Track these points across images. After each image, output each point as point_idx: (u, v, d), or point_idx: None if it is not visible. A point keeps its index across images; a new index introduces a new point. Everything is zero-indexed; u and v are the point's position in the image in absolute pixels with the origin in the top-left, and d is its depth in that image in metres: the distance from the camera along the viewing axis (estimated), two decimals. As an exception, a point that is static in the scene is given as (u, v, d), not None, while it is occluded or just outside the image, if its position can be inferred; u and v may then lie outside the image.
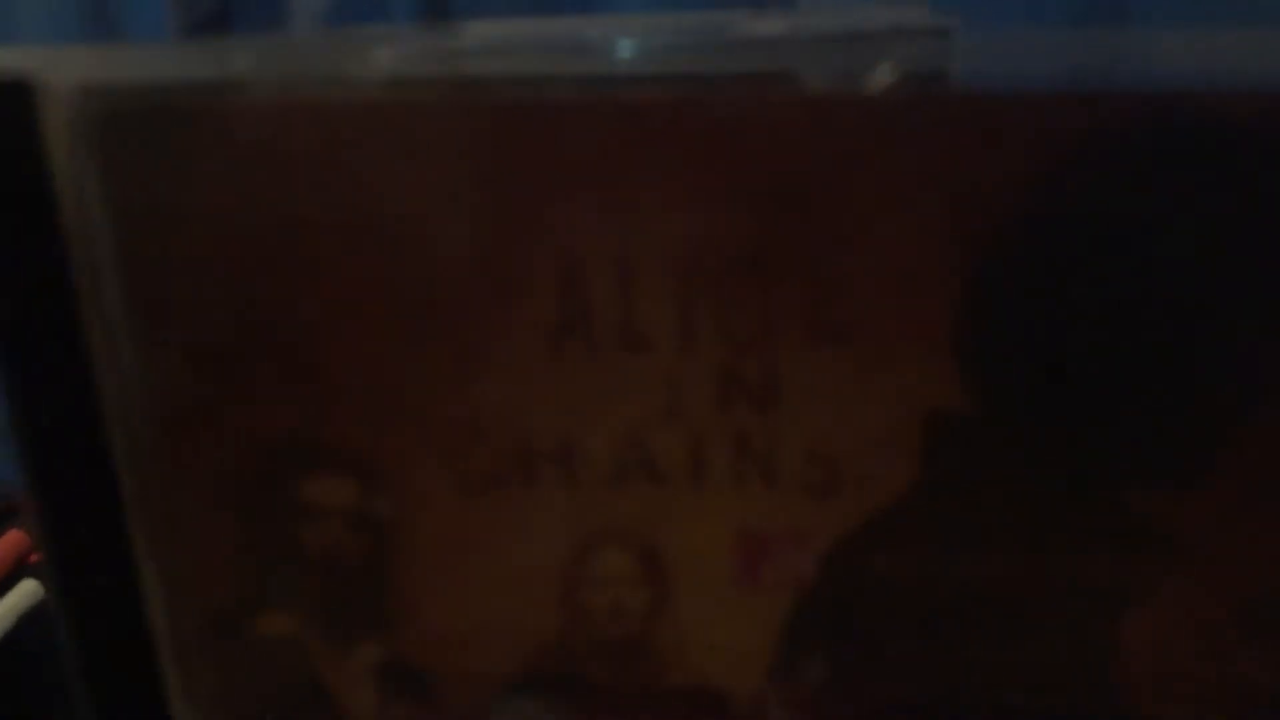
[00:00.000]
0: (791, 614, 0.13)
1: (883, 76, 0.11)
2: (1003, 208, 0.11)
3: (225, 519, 0.13)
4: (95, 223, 0.11)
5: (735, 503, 0.12)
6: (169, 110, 0.11)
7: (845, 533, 0.12)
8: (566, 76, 0.11)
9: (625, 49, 0.11)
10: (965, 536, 0.12)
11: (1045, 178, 0.11)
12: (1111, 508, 0.12)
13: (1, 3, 0.37)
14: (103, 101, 0.11)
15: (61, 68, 0.11)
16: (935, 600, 0.12)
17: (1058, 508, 0.12)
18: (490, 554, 0.13)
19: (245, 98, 0.11)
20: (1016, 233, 0.11)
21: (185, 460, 0.13)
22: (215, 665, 0.14)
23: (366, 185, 0.11)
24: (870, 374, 0.12)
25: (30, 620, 0.28)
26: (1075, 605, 0.12)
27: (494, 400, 0.12)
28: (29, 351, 0.12)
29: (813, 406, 0.12)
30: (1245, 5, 0.20)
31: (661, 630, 0.13)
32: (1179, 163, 0.11)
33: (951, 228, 0.11)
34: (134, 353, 0.12)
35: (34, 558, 0.33)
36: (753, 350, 0.12)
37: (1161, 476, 0.12)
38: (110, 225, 0.12)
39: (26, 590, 0.31)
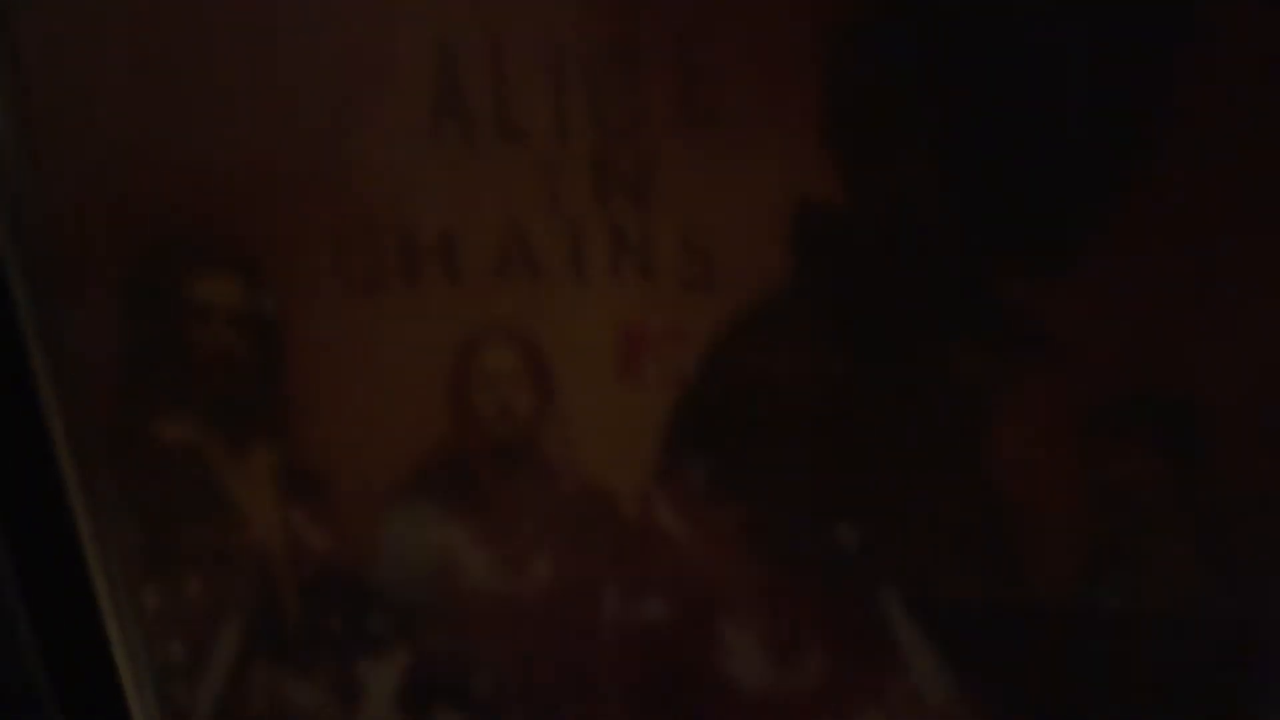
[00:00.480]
0: (672, 413, 0.13)
1: None
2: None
3: (118, 324, 0.13)
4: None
5: (614, 296, 0.12)
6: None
7: (721, 327, 0.12)
8: None
9: None
10: (838, 332, 0.12)
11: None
12: (982, 301, 0.12)
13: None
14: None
15: None
16: (807, 401, 0.13)
17: (929, 301, 0.12)
18: (378, 354, 0.13)
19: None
20: (883, 19, 0.11)
21: (77, 267, 0.13)
22: (117, 476, 0.14)
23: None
24: (741, 163, 0.12)
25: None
26: (947, 400, 0.12)
27: (375, 192, 0.12)
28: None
29: (686, 198, 0.12)
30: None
31: (548, 430, 0.13)
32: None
33: (817, 13, 0.11)
34: (25, 160, 0.12)
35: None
36: (626, 139, 0.12)
37: (1032, 268, 0.12)
38: (8, 32, 0.12)
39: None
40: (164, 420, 0.14)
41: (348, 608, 0.15)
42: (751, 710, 0.14)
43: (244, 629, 0.15)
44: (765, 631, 0.14)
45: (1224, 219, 0.12)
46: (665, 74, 0.12)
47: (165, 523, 0.14)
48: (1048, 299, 0.12)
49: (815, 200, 0.12)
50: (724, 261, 0.12)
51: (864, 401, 0.13)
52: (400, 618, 0.15)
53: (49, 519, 0.14)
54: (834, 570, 0.14)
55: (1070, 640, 0.14)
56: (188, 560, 0.15)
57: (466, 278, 0.12)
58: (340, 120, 0.12)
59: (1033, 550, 0.13)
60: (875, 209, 0.12)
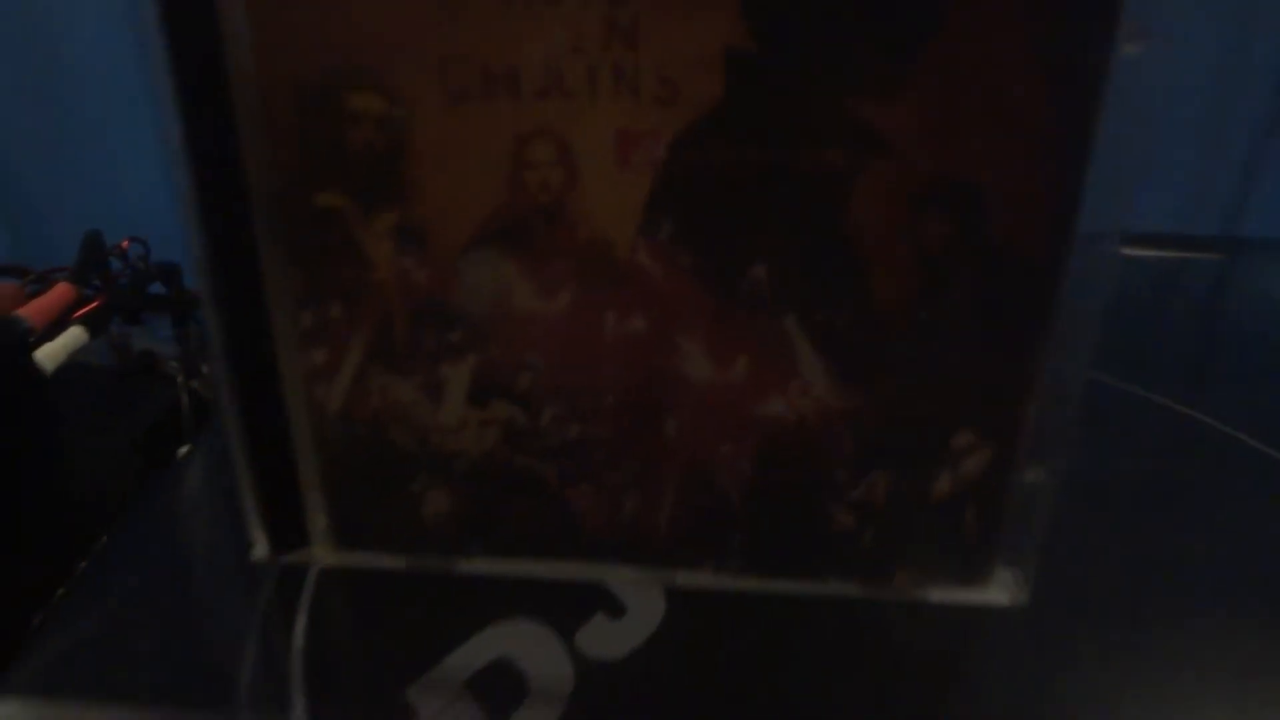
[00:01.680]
0: (651, 188, 0.20)
1: None
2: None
3: (297, 126, 0.20)
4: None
5: (614, 110, 0.20)
6: None
7: (681, 131, 0.20)
8: None
9: None
10: (752, 134, 0.20)
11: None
12: (840, 113, 0.20)
13: None
14: None
15: None
16: (734, 180, 0.20)
17: (809, 116, 0.20)
18: (464, 146, 0.20)
19: None
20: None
21: (269, 92, 0.20)
22: (288, 232, 0.21)
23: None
24: (693, 23, 0.19)
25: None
26: (821, 182, 0.20)
27: (466, 39, 0.19)
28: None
29: (660, 44, 0.19)
30: None
31: (572, 199, 0.21)
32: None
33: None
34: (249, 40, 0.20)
35: (78, 313, 0.43)
36: (624, 5, 0.19)
37: (874, 93, 0.19)
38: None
39: (75, 333, 0.41)
40: (321, 193, 0.21)
41: (437, 325, 0.22)
42: (698, 397, 0.22)
43: (366, 343, 0.22)
44: (709, 343, 0.22)
45: (1000, 61, 0.19)
46: (648, -33, 0.19)
47: (318, 265, 0.22)
48: (886, 115, 0.20)
49: (738, 47, 0.19)
50: (683, 86, 0.20)
51: (768, 180, 0.20)
52: (470, 332, 0.22)
53: (245, 266, 0.22)
54: (752, 300, 0.21)
55: (905, 343, 0.21)
56: (331, 293, 0.22)
57: (523, 97, 0.20)
58: (447, -7, 0.19)
59: (880, 286, 0.21)
60: (774, 54, 0.19)
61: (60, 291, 0.45)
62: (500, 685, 0.23)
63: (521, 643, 0.24)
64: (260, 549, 0.25)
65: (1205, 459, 0.31)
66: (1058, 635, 0.24)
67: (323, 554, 0.25)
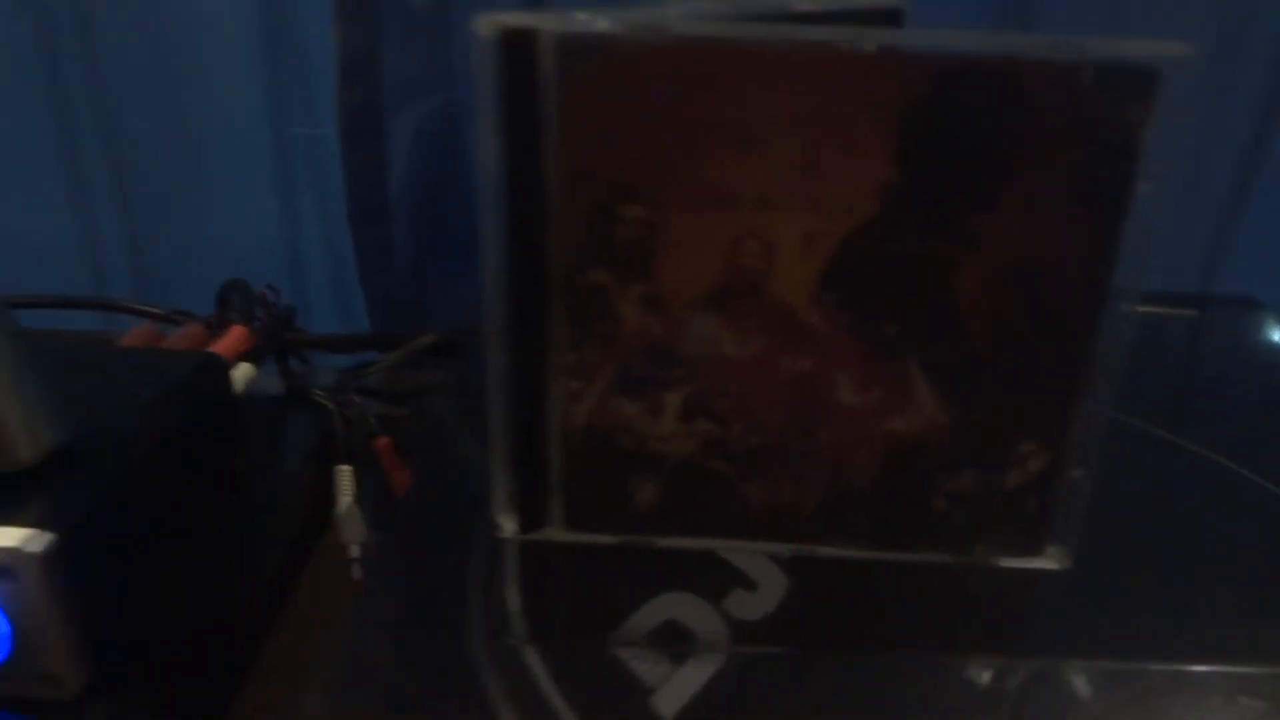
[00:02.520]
0: (823, 270, 0.30)
1: None
2: None
3: (584, 223, 0.30)
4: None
5: (802, 219, 0.29)
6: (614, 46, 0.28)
7: (847, 232, 0.29)
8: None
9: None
10: (894, 236, 0.29)
11: None
12: (951, 221, 0.29)
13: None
14: (574, 40, 0.28)
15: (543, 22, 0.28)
16: (880, 265, 0.30)
17: (930, 223, 0.29)
18: (697, 242, 0.30)
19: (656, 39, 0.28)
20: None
21: (570, 197, 0.30)
22: (567, 311, 0.31)
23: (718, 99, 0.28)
24: (858, 163, 0.29)
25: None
26: (933, 266, 0.30)
27: (705, 172, 0.29)
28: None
29: (836, 177, 0.29)
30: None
31: (768, 278, 0.30)
32: None
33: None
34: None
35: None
36: (814, 153, 0.29)
37: (973, 204, 0.29)
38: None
39: (247, 369, 0.50)
40: (593, 271, 0.31)
41: (663, 364, 0.31)
42: (844, 416, 0.32)
43: (610, 376, 0.32)
44: (854, 377, 0.31)
45: (1055, 190, 0.29)
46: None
47: (583, 321, 0.31)
48: (980, 222, 0.29)
49: (888, 179, 0.29)
50: (851, 204, 0.29)
51: (903, 265, 0.30)
52: (687, 369, 0.31)
53: (534, 318, 0.31)
54: (886, 347, 0.31)
55: (989, 377, 0.31)
56: (590, 340, 0.31)
57: (740, 210, 0.29)
58: (705, 162, 0.29)
59: (973, 337, 0.31)
60: (911, 185, 0.29)
61: (238, 333, 0.54)
62: (674, 638, 0.30)
63: (684, 609, 0.32)
64: (509, 527, 0.34)
65: (1186, 475, 0.41)
66: (1094, 591, 0.33)
67: (557, 533, 0.34)
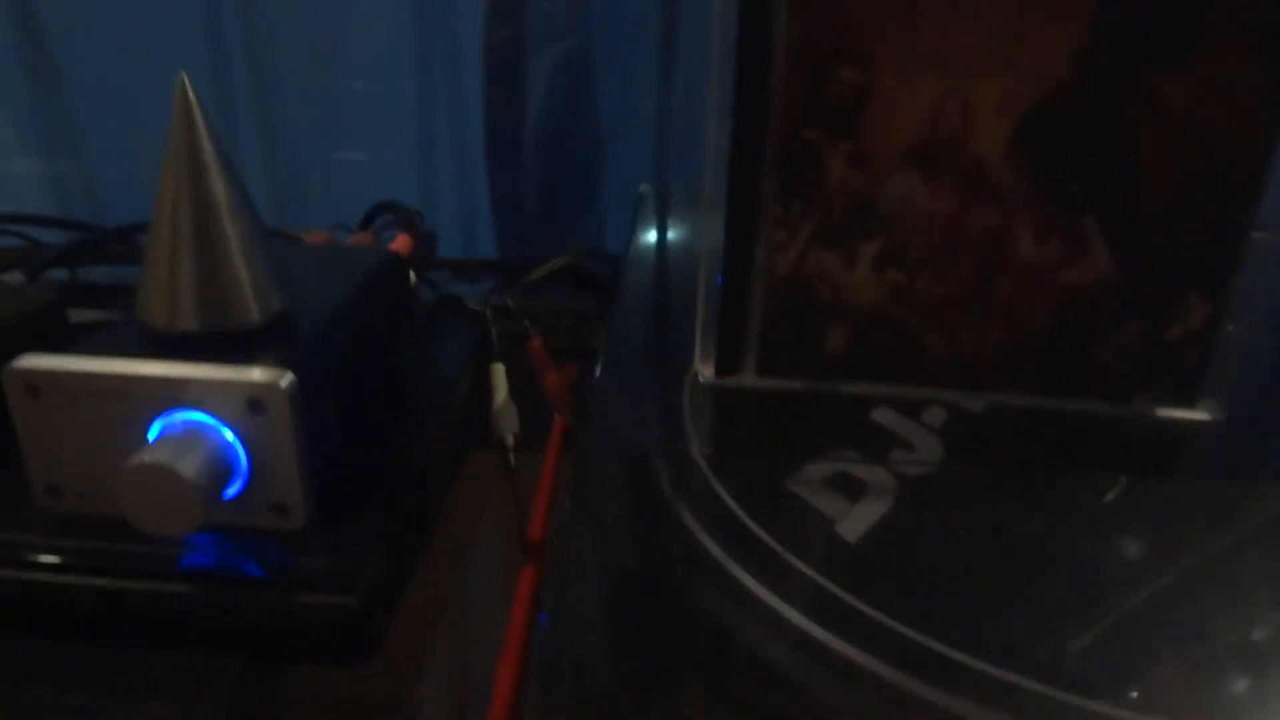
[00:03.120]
0: (1014, 130, 0.33)
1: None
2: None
3: (802, 84, 0.34)
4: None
5: (1000, 82, 0.33)
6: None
7: (1039, 94, 0.33)
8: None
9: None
10: (1084, 99, 0.33)
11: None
12: (1136, 85, 0.33)
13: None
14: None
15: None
16: (1067, 126, 0.33)
17: (1117, 88, 0.33)
18: (903, 103, 0.33)
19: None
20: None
21: (793, 60, 0.33)
22: (780, 152, 0.34)
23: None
24: (1055, 28, 0.32)
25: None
26: (1117, 127, 0.33)
27: (916, 36, 0.33)
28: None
29: (1033, 43, 0.33)
30: None
31: (964, 137, 0.34)
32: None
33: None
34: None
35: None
36: (1015, 22, 0.32)
37: (1158, 69, 0.33)
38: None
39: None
40: (807, 129, 0.34)
41: (862, 218, 0.35)
42: (1023, 267, 0.35)
43: (814, 228, 0.35)
44: (1036, 231, 0.35)
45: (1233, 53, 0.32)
46: None
47: (793, 176, 0.35)
48: (1164, 85, 0.33)
49: (1080, 46, 0.33)
50: (1044, 68, 0.33)
51: (1088, 126, 0.33)
52: (883, 223, 0.35)
53: (751, 174, 0.35)
54: (1067, 203, 0.34)
55: (1160, 233, 0.34)
56: (797, 194, 0.35)
57: (945, 73, 0.33)
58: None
59: (1148, 195, 0.34)
60: (1102, 51, 0.33)
61: (405, 240, 0.58)
62: (846, 485, 0.34)
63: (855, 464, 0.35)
64: (707, 374, 0.38)
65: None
66: (1245, 442, 0.37)
67: (750, 379, 0.38)
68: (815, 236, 0.35)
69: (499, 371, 0.54)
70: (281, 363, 0.32)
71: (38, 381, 0.31)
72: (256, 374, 0.31)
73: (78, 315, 0.52)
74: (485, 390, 0.54)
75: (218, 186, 0.32)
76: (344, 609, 0.31)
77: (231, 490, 0.32)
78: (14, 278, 0.53)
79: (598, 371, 0.41)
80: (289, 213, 0.76)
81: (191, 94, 0.32)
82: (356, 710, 0.33)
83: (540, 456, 0.44)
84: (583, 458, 0.35)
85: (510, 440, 0.52)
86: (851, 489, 0.33)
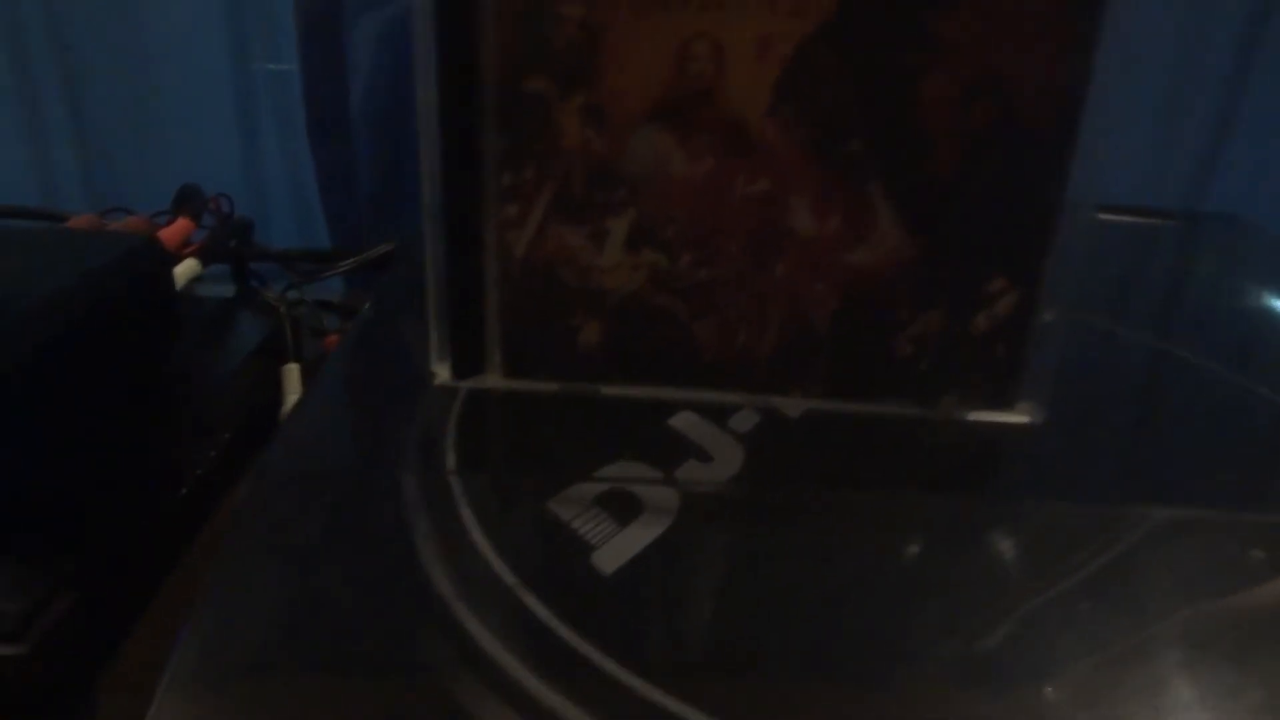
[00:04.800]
0: (778, 78, 0.28)
1: None
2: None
3: (517, 25, 0.28)
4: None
5: (757, 20, 0.27)
6: None
7: (804, 36, 0.27)
8: None
9: None
10: (854, 41, 0.27)
11: None
12: (916, 25, 0.27)
13: None
14: None
15: None
16: (839, 75, 0.28)
17: (893, 28, 0.27)
18: (643, 45, 0.28)
19: None
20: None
21: (504, 15, 0.27)
22: (498, 115, 0.28)
23: None
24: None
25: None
26: (896, 77, 0.28)
27: (652, -36, 0.27)
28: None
29: (791, -27, 0.27)
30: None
31: (719, 86, 0.28)
32: None
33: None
34: None
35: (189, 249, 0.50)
36: (767, -55, 0.27)
37: (939, 4, 0.27)
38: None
39: (192, 264, 0.48)
40: (530, 78, 0.28)
41: (607, 185, 0.29)
42: (801, 246, 0.29)
43: (550, 199, 0.30)
44: (813, 202, 0.29)
45: None
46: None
47: (519, 136, 0.29)
48: (948, 25, 0.27)
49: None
50: (808, 4, 0.27)
51: (863, 75, 0.28)
52: (632, 191, 0.29)
53: (466, 136, 0.29)
54: (847, 168, 0.29)
55: (956, 204, 0.29)
56: (527, 158, 0.29)
57: (689, 9, 0.27)
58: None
59: (941, 159, 0.29)
60: None
61: (182, 225, 0.51)
62: (619, 503, 0.28)
63: (634, 474, 0.29)
64: (443, 375, 0.32)
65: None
66: (1066, 447, 0.31)
67: (494, 380, 0.32)
68: (554, 210, 0.29)
69: (292, 373, 0.48)
70: None
71: None
72: None
73: None
74: (276, 394, 0.48)
75: None
76: (11, 660, 0.27)
77: None
78: None
79: (320, 375, 0.35)
80: (104, 199, 0.70)
81: None
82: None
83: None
84: (267, 478, 0.29)
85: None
86: (624, 510, 0.27)
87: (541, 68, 0.28)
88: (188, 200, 0.56)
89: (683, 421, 0.31)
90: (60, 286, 0.36)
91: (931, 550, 0.28)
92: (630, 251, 0.30)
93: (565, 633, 0.24)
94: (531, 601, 0.25)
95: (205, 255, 0.52)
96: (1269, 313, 0.45)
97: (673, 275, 0.30)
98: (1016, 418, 0.31)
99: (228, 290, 0.55)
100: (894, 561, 0.27)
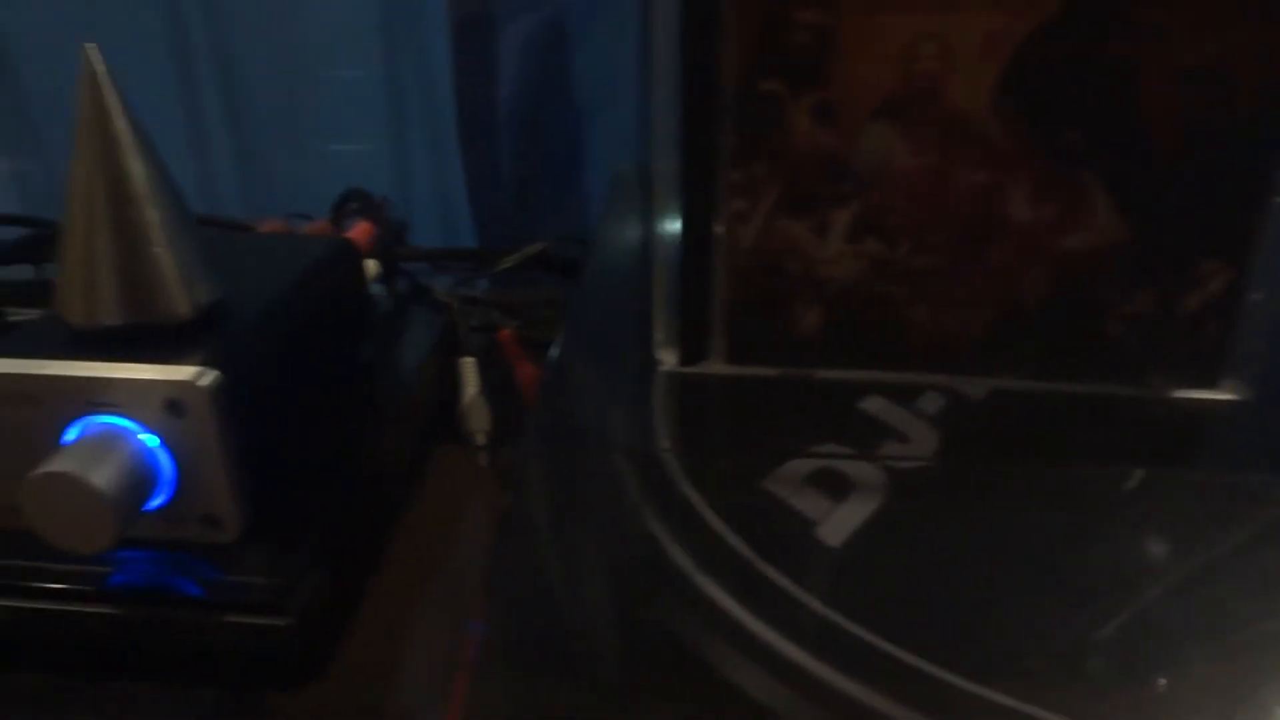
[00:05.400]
0: (1001, 74, 0.29)
1: None
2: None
3: (755, 31, 0.30)
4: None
5: (982, 19, 0.29)
6: None
7: (1026, 33, 0.29)
8: None
9: None
10: (1075, 35, 0.29)
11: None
12: (1136, 16, 0.28)
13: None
14: None
15: None
16: (1060, 68, 0.29)
17: (1113, 20, 0.29)
18: (874, 46, 0.29)
19: None
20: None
21: (743, 22, 0.29)
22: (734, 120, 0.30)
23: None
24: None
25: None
26: (1116, 68, 0.29)
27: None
28: None
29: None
30: None
31: (945, 83, 0.30)
32: None
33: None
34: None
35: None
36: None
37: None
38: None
39: (371, 264, 0.50)
40: (765, 80, 0.30)
41: (833, 179, 0.31)
42: (1017, 233, 0.31)
43: (778, 193, 0.32)
44: (1030, 190, 0.31)
45: None
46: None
47: (753, 134, 0.31)
48: (1169, 16, 0.29)
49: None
50: (1030, 3, 0.29)
51: (1084, 67, 0.29)
52: (857, 184, 0.31)
53: (705, 136, 0.31)
54: (1065, 157, 0.30)
55: (1171, 189, 0.30)
56: (758, 155, 0.31)
57: (918, 11, 0.29)
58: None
59: (1157, 145, 0.30)
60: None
61: (365, 227, 0.54)
62: (831, 481, 0.30)
63: (840, 453, 0.31)
64: (669, 362, 0.34)
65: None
66: (1273, 424, 0.32)
67: (717, 366, 0.34)
68: (781, 204, 0.31)
69: (468, 365, 0.51)
70: (207, 360, 0.29)
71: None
72: (176, 373, 0.28)
73: (20, 315, 0.49)
74: (454, 387, 0.51)
75: (135, 167, 0.29)
76: (278, 630, 0.28)
77: (156, 501, 0.29)
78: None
79: (551, 362, 0.37)
80: (260, 204, 0.73)
81: (99, 67, 0.28)
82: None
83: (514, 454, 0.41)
84: (531, 454, 0.32)
85: (481, 439, 0.48)
86: (836, 487, 0.29)
87: (776, 69, 0.30)
88: (357, 204, 0.59)
89: (874, 405, 0.33)
90: (290, 283, 0.39)
91: (1152, 522, 0.29)
92: (852, 242, 0.32)
93: (812, 601, 0.26)
94: (772, 572, 0.27)
95: (380, 255, 0.55)
96: None
97: (891, 263, 0.32)
98: (1224, 395, 0.32)
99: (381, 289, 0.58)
100: (1109, 535, 0.28)
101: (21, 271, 0.58)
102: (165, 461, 0.28)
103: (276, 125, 0.71)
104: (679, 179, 0.31)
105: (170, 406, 0.28)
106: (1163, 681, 0.23)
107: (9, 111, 0.70)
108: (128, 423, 0.28)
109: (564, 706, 0.23)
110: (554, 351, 0.38)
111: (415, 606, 0.34)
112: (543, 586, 0.27)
